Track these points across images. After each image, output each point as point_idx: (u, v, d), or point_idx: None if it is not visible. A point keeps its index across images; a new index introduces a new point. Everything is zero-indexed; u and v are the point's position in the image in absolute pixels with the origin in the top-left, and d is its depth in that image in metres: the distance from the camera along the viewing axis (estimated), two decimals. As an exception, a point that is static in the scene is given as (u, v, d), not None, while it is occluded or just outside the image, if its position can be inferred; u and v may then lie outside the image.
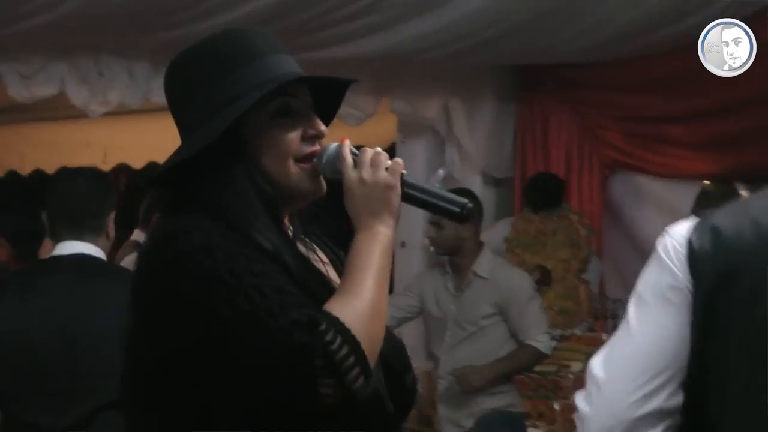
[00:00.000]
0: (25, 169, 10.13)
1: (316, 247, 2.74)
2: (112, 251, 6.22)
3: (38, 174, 9.77)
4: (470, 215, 2.64)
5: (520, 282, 6.70)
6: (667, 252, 2.64)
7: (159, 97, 6.59)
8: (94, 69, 6.49)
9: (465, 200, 2.62)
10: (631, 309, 2.55)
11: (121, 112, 7.16)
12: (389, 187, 2.57)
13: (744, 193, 8.06)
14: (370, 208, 2.57)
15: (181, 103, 2.65)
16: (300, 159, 2.59)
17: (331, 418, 2.45)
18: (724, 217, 2.55)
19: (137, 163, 9.29)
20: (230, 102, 2.55)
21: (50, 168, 9.28)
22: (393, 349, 2.66)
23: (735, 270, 2.45)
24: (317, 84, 2.68)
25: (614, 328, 7.70)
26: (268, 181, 2.57)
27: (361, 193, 2.57)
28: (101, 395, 4.80)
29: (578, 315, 8.09)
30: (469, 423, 6.40)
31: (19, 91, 6.43)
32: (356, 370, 2.38)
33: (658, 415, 2.46)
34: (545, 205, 8.19)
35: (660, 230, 7.89)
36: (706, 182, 8.06)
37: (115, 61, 6.56)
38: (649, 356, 2.53)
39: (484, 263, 6.64)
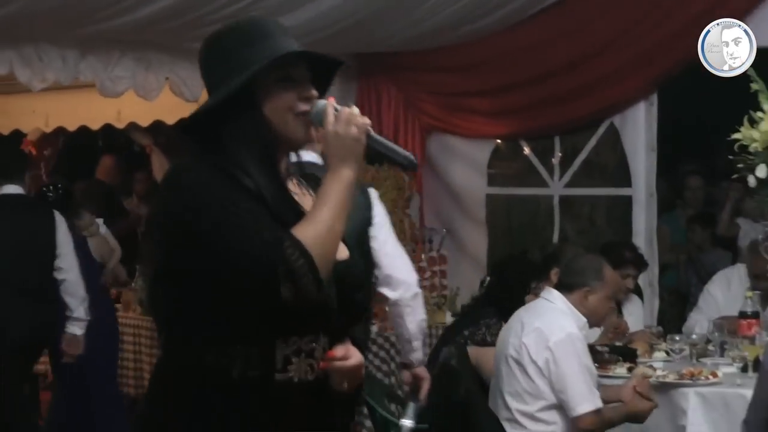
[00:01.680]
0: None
1: (305, 183, 2.85)
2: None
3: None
4: (413, 167, 2.79)
5: None
6: None
7: (85, 77, 6.94)
8: (35, 55, 6.65)
9: (410, 155, 2.75)
10: None
11: (58, 87, 7.35)
12: (356, 141, 2.67)
13: (526, 149, 8.55)
14: (340, 155, 2.67)
15: (210, 70, 2.79)
16: (297, 113, 2.72)
17: (289, 316, 2.60)
18: None
19: (72, 126, 9.42)
20: (245, 69, 2.68)
21: (5, 130, 9.53)
22: (350, 269, 2.77)
23: None
24: (314, 61, 2.77)
25: (430, 249, 8.36)
26: (270, 128, 2.71)
27: (335, 143, 2.67)
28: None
29: (403, 240, 7.74)
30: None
31: (-24, 72, 6.59)
32: (309, 277, 2.55)
33: None
34: (376, 160, 8.08)
35: (465, 177, 8.74)
36: (499, 141, 8.60)
37: (51, 49, 6.72)
38: None
39: None
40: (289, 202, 2.74)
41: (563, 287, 5.26)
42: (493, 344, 5.54)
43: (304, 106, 2.73)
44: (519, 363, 5.11)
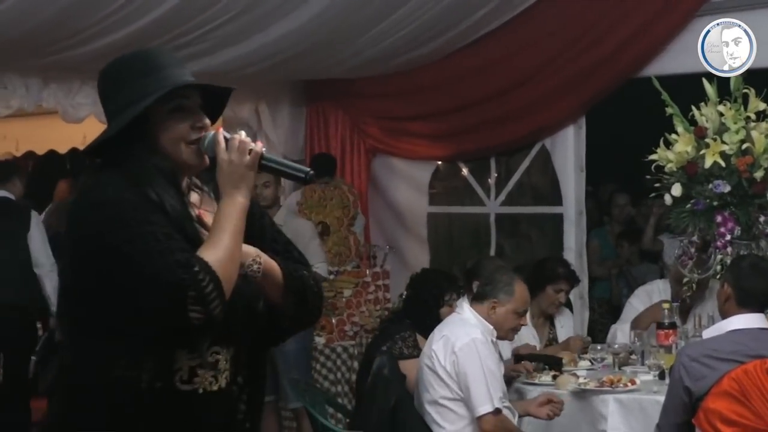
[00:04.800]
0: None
1: (209, 199, 2.81)
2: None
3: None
4: (312, 180, 2.74)
5: (304, 227, 7.14)
6: None
7: (48, 104, 6.95)
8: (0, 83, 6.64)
9: (305, 168, 2.72)
10: None
11: (26, 114, 7.30)
12: (249, 168, 2.65)
13: (464, 170, 8.61)
14: (233, 182, 2.65)
15: (108, 98, 2.74)
16: (189, 142, 2.70)
17: (194, 332, 2.56)
18: None
19: (41, 150, 9.46)
20: (141, 99, 2.65)
21: (-22, 153, 9.48)
22: (247, 283, 2.72)
23: None
24: (205, 90, 2.76)
25: (374, 265, 8.33)
26: (165, 156, 2.68)
27: (228, 170, 2.65)
28: None
29: (349, 256, 8.22)
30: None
31: (-51, 100, 6.56)
32: (217, 302, 2.51)
33: None
34: (322, 175, 8.08)
35: (407, 196, 8.73)
36: (439, 162, 8.61)
37: (15, 77, 6.72)
38: None
39: (281, 214, 7.11)
40: (188, 215, 2.71)
41: (476, 297, 5.35)
42: (411, 356, 5.62)
43: (195, 135, 2.71)
44: (432, 370, 5.18)
